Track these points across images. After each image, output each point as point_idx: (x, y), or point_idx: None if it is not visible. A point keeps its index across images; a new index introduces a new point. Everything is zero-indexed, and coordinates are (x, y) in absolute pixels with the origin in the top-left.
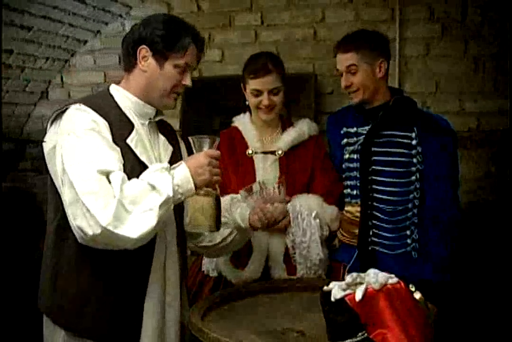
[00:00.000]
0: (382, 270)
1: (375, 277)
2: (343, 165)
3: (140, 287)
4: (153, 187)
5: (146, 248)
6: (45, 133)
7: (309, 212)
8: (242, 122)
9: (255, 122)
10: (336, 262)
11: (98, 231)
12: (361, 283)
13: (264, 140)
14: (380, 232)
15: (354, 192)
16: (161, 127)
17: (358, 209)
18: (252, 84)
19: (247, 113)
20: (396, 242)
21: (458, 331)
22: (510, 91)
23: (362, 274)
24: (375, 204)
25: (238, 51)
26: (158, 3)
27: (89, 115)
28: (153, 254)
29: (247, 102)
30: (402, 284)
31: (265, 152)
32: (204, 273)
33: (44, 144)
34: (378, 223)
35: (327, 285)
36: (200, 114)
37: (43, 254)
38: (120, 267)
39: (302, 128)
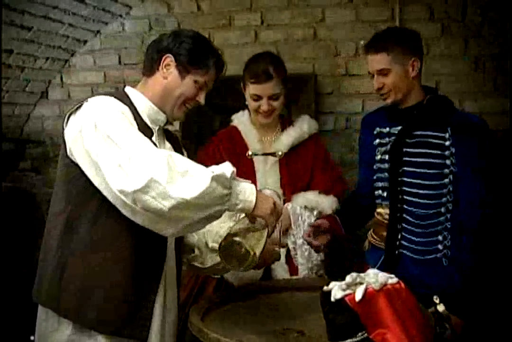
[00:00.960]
0: (408, 275)
1: (375, 277)
2: (375, 166)
3: (153, 280)
4: (211, 170)
5: (160, 239)
6: (62, 129)
7: (310, 213)
8: (241, 121)
9: (254, 122)
10: (366, 265)
11: (144, 182)
12: (361, 283)
13: (264, 141)
14: (409, 236)
15: (385, 194)
16: (167, 135)
17: (388, 211)
18: (252, 89)
19: (246, 112)
20: (426, 247)
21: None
22: (510, 91)
23: (362, 274)
24: (405, 206)
25: (238, 51)
26: (158, 3)
27: (116, 102)
28: (166, 245)
29: (247, 102)
30: (402, 284)
31: (265, 154)
32: (203, 278)
33: (66, 132)
34: (407, 226)
35: (327, 285)
36: (200, 114)
37: (42, 247)
38: (132, 257)
39: (302, 127)
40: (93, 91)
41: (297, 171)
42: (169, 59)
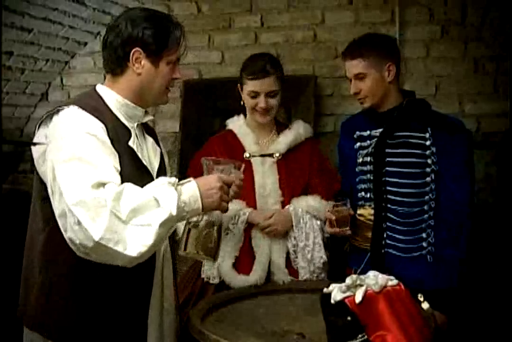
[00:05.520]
0: (394, 273)
1: (374, 279)
2: (357, 169)
3: (144, 296)
4: (157, 202)
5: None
6: (32, 137)
7: (311, 215)
8: (237, 125)
9: (250, 124)
10: (348, 268)
11: (90, 244)
12: (361, 285)
13: (260, 143)
14: (394, 235)
15: (368, 195)
16: (145, 128)
17: (371, 211)
18: (250, 85)
19: (241, 116)
20: (411, 245)
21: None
22: (510, 92)
23: (362, 276)
24: (389, 205)
25: (238, 53)
26: (158, 5)
27: (84, 118)
28: (155, 262)
29: (242, 102)
30: (402, 286)
31: (262, 155)
32: (204, 280)
33: (33, 148)
34: (392, 225)
35: (327, 287)
36: (200, 116)
37: (24, 264)
38: (120, 278)
39: (299, 130)
40: None
41: (294, 172)
42: (137, 52)
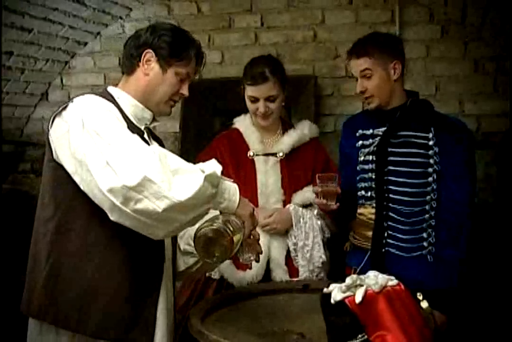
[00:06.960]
0: (394, 273)
1: (375, 279)
2: (358, 168)
3: (153, 283)
4: (202, 171)
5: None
6: (47, 131)
7: (311, 215)
8: (243, 124)
9: (256, 124)
10: (347, 267)
11: (135, 181)
12: (361, 285)
13: (265, 142)
14: (395, 234)
15: (369, 194)
16: (151, 135)
17: (372, 210)
18: (249, 91)
19: (248, 115)
20: (412, 244)
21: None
22: (510, 92)
23: (362, 276)
24: (390, 204)
25: (238, 53)
26: (158, 5)
27: (102, 101)
28: (164, 245)
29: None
30: (402, 286)
31: (266, 155)
32: (206, 275)
33: (52, 133)
34: (393, 224)
35: (327, 287)
36: (200, 116)
37: (30, 258)
38: (130, 260)
39: (303, 130)
40: None
41: (297, 172)
42: (149, 54)
